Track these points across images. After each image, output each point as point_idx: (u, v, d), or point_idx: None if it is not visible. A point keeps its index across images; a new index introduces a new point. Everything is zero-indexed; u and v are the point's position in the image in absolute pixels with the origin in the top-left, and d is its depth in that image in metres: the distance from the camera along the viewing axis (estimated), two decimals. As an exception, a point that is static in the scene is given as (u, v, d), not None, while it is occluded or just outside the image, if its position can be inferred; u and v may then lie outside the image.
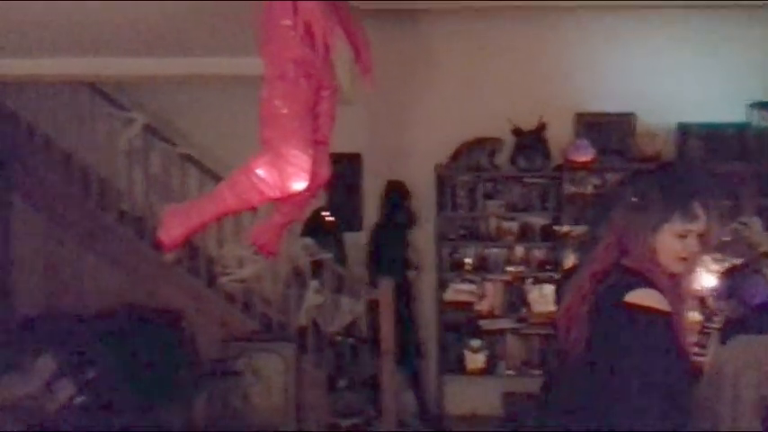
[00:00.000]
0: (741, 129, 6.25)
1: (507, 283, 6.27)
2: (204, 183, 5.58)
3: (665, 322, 2.08)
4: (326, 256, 5.60)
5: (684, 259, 2.16)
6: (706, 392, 4.55)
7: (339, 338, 5.38)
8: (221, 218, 3.61)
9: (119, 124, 5.76)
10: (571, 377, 2.25)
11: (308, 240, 5.63)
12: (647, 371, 2.03)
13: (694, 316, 5.55)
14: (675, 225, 2.12)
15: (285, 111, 3.10)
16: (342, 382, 5.23)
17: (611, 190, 2.58)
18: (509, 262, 6.29)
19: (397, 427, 5.03)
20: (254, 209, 4.70)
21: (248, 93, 3.30)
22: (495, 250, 6.33)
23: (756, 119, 6.21)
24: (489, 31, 6.42)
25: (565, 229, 6.05)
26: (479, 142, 6.32)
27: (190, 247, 5.66)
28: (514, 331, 6.20)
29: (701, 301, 5.38)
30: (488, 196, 6.34)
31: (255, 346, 5.30)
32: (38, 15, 3.72)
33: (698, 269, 2.33)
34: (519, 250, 6.31)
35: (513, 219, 6.34)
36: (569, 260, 5.78)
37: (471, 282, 6.25)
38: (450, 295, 6.18)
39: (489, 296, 6.24)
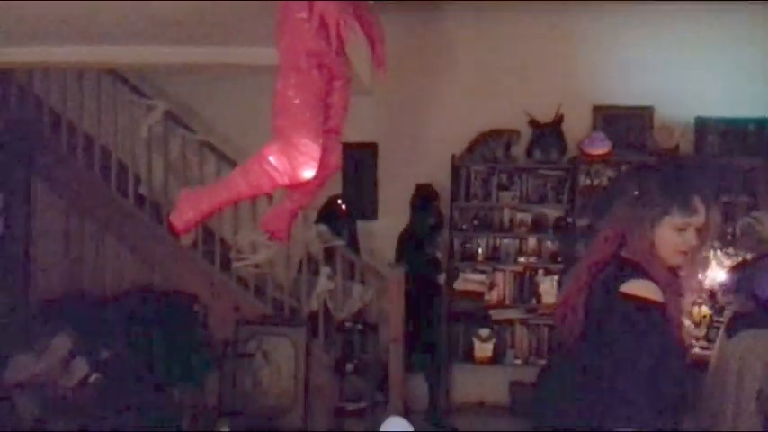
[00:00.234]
0: (760, 124, 6.22)
1: (518, 274, 6.31)
2: (222, 169, 5.66)
3: (660, 313, 2.11)
4: (339, 243, 5.67)
5: (684, 253, 2.19)
6: (711, 386, 4.57)
7: (348, 324, 5.45)
8: (233, 204, 3.69)
9: (140, 111, 5.86)
10: (565, 365, 2.30)
11: (322, 227, 5.69)
12: (639, 360, 2.07)
13: (704, 310, 5.58)
14: (675, 219, 2.15)
15: (297, 101, 3.17)
16: (349, 367, 5.31)
17: (614, 183, 2.63)
18: (521, 253, 6.32)
19: (404, 414, 5.09)
20: (269, 195, 4.82)
21: (267, 82, 3.36)
22: (507, 241, 6.36)
23: (776, 114, 6.18)
24: (508, 24, 6.43)
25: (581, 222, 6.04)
26: (496, 134, 6.35)
27: (205, 232, 5.77)
28: (523, 321, 6.25)
29: (711, 296, 5.40)
30: (503, 187, 6.36)
31: (267, 329, 5.40)
32: (62, 5, 3.81)
33: (697, 262, 2.36)
34: (531, 241, 6.34)
35: (526, 210, 6.36)
36: (581, 252, 5.79)
37: (482, 272, 6.29)
38: (460, 284, 6.22)
39: (499, 286, 6.29)
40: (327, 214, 5.88)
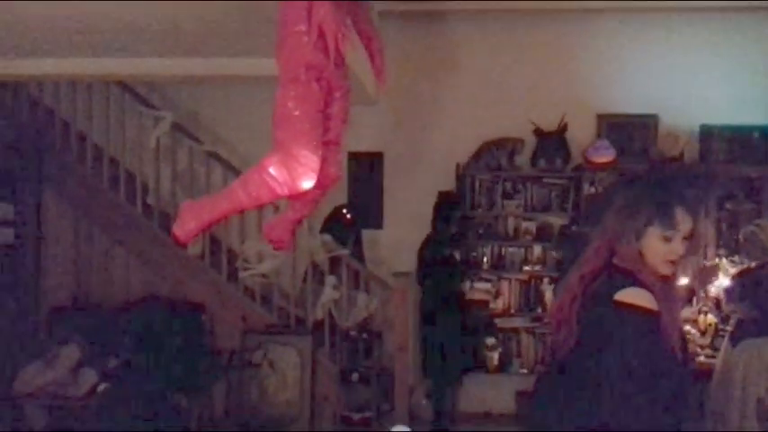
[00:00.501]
0: (765, 131, 6.20)
1: (524, 283, 6.32)
2: (228, 179, 5.69)
3: (653, 321, 2.14)
4: (344, 252, 5.70)
5: (672, 262, 2.21)
6: (715, 394, 4.57)
7: (353, 333, 5.47)
8: (234, 214, 3.73)
9: (149, 122, 5.93)
10: (560, 373, 2.32)
11: (327, 237, 5.73)
12: (633, 368, 2.09)
13: (710, 318, 5.57)
14: (657, 229, 2.17)
15: (297, 113, 3.21)
16: (355, 376, 5.34)
17: (604, 194, 2.65)
18: (526, 261, 6.34)
19: (410, 422, 5.11)
20: (275, 205, 4.87)
21: (272, 93, 3.41)
22: (512, 249, 6.38)
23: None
24: (512, 32, 6.46)
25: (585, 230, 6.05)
26: (500, 142, 6.37)
27: (213, 241, 5.82)
28: (529, 330, 6.26)
29: (717, 304, 5.39)
30: (507, 196, 6.38)
31: (273, 338, 5.43)
32: (71, 18, 3.89)
33: (687, 271, 2.37)
34: (536, 250, 6.35)
35: (531, 219, 6.38)
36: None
37: (487, 280, 6.30)
38: (465, 293, 6.23)
39: (505, 295, 6.30)
40: (333, 224, 5.92)
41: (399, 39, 6.26)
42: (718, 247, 5.95)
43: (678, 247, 2.19)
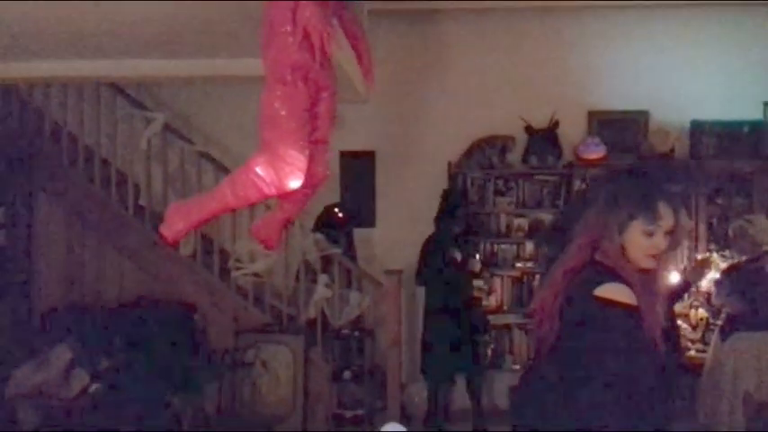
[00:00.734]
0: (755, 126, 6.22)
1: (516, 279, 6.34)
2: (220, 179, 5.62)
3: (633, 316, 2.15)
4: (336, 251, 5.71)
5: (654, 256, 2.22)
6: (705, 388, 4.59)
7: (346, 331, 5.48)
8: (223, 214, 3.74)
9: (140, 123, 5.94)
10: (542, 369, 2.33)
11: (319, 236, 5.75)
12: (613, 363, 2.10)
13: (700, 312, 5.60)
14: (640, 224, 2.19)
15: (283, 113, 3.22)
16: (347, 374, 5.35)
17: (587, 190, 2.67)
18: (518, 258, 6.36)
19: (402, 420, 5.12)
20: (266, 205, 4.88)
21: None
22: (504, 246, 6.40)
23: (771, 116, 6.19)
24: (502, 30, 6.49)
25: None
26: (491, 140, 6.40)
27: (204, 241, 5.83)
28: (521, 326, 6.27)
29: (708, 299, 5.41)
30: (499, 193, 6.41)
31: (265, 338, 5.45)
32: (62, 20, 3.89)
33: (668, 266, 2.38)
34: (528, 247, 6.37)
35: (523, 215, 6.40)
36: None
37: (480, 277, 6.31)
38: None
39: (497, 291, 6.32)
40: (324, 223, 5.93)
41: (390, 37, 6.27)
42: (708, 241, 5.98)
43: (660, 241, 2.20)
